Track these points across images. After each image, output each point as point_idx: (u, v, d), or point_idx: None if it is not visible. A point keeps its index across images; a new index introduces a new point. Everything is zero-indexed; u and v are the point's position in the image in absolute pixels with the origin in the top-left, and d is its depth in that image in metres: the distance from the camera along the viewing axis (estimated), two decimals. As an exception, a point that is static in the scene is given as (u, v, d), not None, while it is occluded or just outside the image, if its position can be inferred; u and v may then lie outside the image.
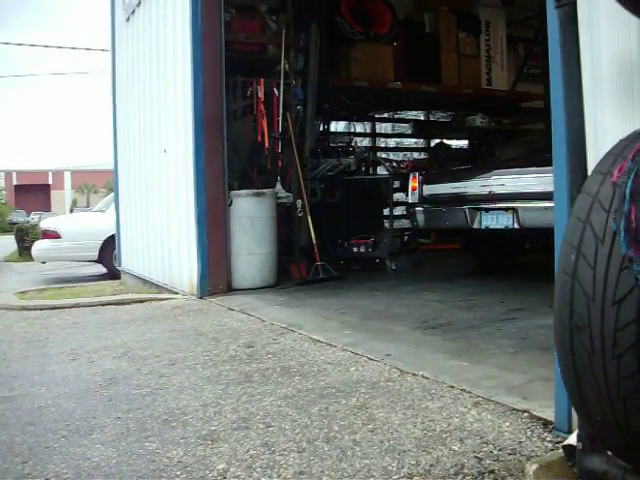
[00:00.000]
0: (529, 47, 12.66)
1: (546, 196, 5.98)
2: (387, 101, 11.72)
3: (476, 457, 2.68)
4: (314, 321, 5.67)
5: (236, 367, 4.30)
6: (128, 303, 7.50)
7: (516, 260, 9.40)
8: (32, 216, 38.66)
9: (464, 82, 11.07)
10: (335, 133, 12.13)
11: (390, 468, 2.62)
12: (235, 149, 8.17)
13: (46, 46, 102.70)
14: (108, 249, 11.89)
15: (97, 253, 12.12)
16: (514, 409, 3.18)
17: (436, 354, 4.33)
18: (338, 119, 12.17)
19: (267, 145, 8.39)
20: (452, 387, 3.58)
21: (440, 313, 5.73)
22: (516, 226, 6.87)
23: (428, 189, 7.97)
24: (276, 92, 8.61)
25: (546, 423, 2.96)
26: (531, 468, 2.41)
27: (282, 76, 8.57)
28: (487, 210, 7.17)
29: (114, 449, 2.99)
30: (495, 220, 7.08)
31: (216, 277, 7.44)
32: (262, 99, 8.48)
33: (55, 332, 5.99)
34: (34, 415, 3.56)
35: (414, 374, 3.86)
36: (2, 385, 4.21)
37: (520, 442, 2.80)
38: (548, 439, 2.82)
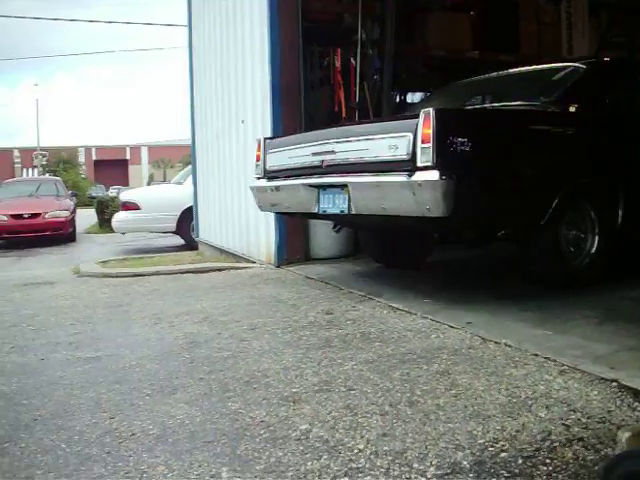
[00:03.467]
0: (612, 14, 12.20)
1: (380, 167, 4.65)
2: (464, 71, 11.50)
3: (563, 424, 2.63)
4: (392, 290, 5.63)
5: (316, 332, 4.31)
6: (207, 271, 7.60)
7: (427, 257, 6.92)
8: (111, 190, 39.50)
9: (544, 51, 10.72)
10: (412, 104, 11.97)
11: (475, 432, 2.59)
12: (312, 119, 8.14)
13: (128, 23, 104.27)
14: (186, 220, 12.08)
15: (175, 224, 12.33)
16: (602, 378, 3.09)
17: (517, 323, 4.25)
18: (414, 90, 12.00)
19: (344, 115, 8.35)
20: (536, 355, 3.50)
21: (519, 283, 5.59)
22: (353, 211, 4.96)
23: (272, 159, 6.14)
24: (353, 62, 8.54)
25: (636, 393, 2.88)
26: (624, 436, 2.35)
27: (359, 45, 8.49)
28: (325, 188, 5.34)
29: (198, 408, 3.04)
30: (332, 202, 5.24)
31: (293, 246, 7.47)
32: (339, 69, 8.43)
33: (136, 298, 6.12)
34: (119, 375, 3.65)
35: (496, 342, 3.80)
36: (88, 346, 4.33)
37: (609, 411, 2.73)
38: (639, 409, 2.74)
